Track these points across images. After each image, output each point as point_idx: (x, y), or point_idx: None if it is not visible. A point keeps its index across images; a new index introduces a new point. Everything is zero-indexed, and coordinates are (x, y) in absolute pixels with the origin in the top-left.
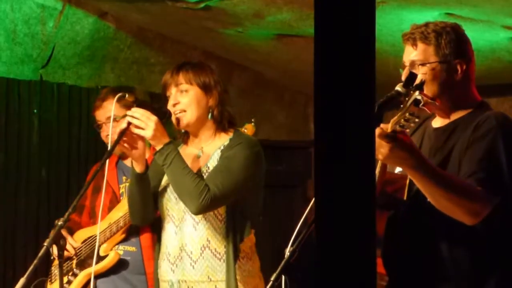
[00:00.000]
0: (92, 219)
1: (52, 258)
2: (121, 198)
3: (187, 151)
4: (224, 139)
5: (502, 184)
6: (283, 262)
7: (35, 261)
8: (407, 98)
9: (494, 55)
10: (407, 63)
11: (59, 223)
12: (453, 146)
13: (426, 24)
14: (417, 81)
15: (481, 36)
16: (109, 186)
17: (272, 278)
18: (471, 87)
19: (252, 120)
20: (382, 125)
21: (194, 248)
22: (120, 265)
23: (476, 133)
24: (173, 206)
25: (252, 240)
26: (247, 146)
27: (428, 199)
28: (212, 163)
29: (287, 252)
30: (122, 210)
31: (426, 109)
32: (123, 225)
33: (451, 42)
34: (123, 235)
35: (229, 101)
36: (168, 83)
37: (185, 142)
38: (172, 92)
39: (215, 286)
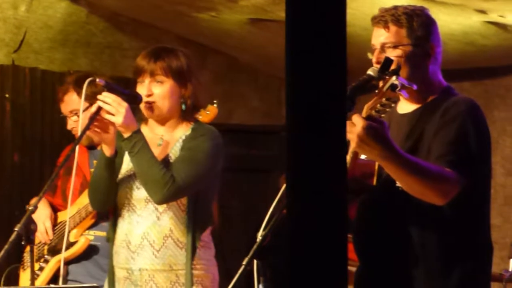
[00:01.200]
0: (64, 202)
1: (23, 243)
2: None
3: (148, 136)
4: (185, 128)
5: (471, 167)
6: (255, 246)
7: (5, 246)
8: (382, 83)
9: (467, 38)
10: (377, 46)
11: (30, 208)
12: (421, 131)
13: (395, 7)
14: (393, 66)
15: (454, 20)
16: (80, 170)
17: (244, 262)
18: (439, 71)
19: (215, 101)
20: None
21: (157, 238)
22: (91, 251)
23: (445, 117)
24: (136, 195)
25: (209, 227)
26: (210, 138)
27: (399, 184)
28: (175, 152)
29: (259, 236)
30: (85, 201)
31: (402, 94)
32: (92, 210)
33: (422, 25)
34: (93, 220)
35: (202, 91)
36: (142, 70)
37: (145, 122)
38: (146, 81)
39: (176, 275)
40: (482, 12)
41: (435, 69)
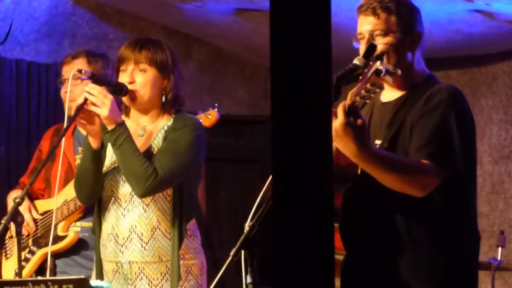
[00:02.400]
0: (48, 189)
1: (9, 236)
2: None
3: (131, 127)
4: (167, 119)
5: (453, 156)
6: (242, 237)
7: None
8: (367, 69)
9: (453, 27)
10: (365, 34)
11: (17, 200)
12: (404, 118)
13: None
14: (377, 51)
15: (440, 8)
16: (65, 157)
17: (232, 253)
18: (423, 60)
19: (216, 105)
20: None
21: (145, 230)
22: (80, 245)
23: (427, 105)
24: (121, 188)
25: (195, 217)
26: (192, 129)
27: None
28: (157, 143)
29: (246, 227)
30: (72, 190)
31: (386, 80)
32: (73, 209)
33: (410, 13)
34: (81, 214)
35: (183, 86)
36: (127, 58)
37: (126, 114)
38: (129, 68)
39: (166, 266)
40: (469, 0)
41: (419, 57)
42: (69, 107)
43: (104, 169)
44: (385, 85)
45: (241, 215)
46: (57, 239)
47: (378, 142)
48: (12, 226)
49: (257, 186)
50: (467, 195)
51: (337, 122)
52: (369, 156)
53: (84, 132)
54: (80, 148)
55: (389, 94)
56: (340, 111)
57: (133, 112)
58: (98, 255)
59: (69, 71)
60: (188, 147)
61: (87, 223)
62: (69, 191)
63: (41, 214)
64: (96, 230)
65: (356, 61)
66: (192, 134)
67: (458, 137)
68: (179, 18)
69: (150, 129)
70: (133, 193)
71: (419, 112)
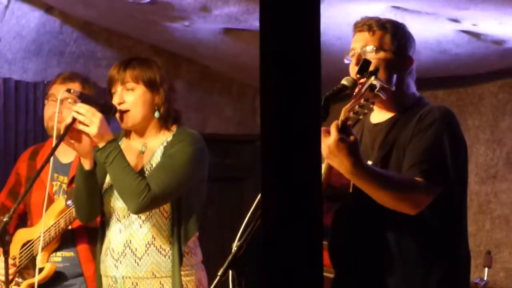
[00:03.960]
0: (28, 215)
1: None
2: (54, 196)
3: (130, 146)
4: (167, 135)
5: (445, 175)
6: (230, 257)
7: None
8: (361, 85)
9: (440, 47)
10: (358, 49)
11: (5, 219)
12: (395, 139)
13: (378, 17)
14: (371, 67)
15: (427, 28)
16: (42, 184)
17: (219, 273)
18: (414, 85)
19: None
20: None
21: (139, 245)
22: (59, 276)
23: (419, 124)
24: (118, 204)
25: (195, 234)
26: (190, 143)
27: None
28: (155, 160)
29: (234, 247)
30: (51, 216)
31: (380, 96)
32: (54, 235)
33: (405, 36)
34: (57, 244)
35: (176, 98)
36: (114, 79)
37: (127, 136)
38: (118, 90)
39: (160, 282)
40: (455, 21)
41: (410, 82)
42: (58, 128)
43: (105, 186)
44: (375, 107)
45: (228, 234)
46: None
47: (370, 163)
48: None
49: (244, 205)
50: (459, 215)
51: (331, 139)
52: (363, 172)
53: (61, 160)
54: (56, 175)
55: (379, 115)
56: (333, 128)
57: (132, 132)
58: (98, 270)
59: (60, 90)
60: (185, 162)
61: (68, 253)
62: (47, 221)
63: (23, 245)
64: (98, 246)
65: (344, 81)
66: (189, 148)
67: (450, 155)
68: (167, 37)
69: (150, 146)
70: None
71: (412, 132)
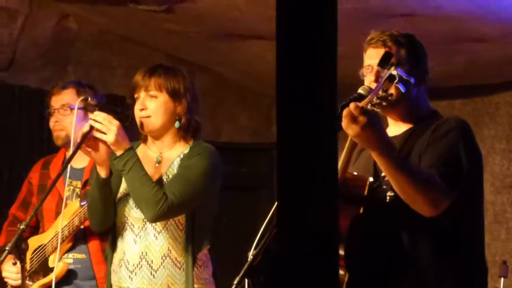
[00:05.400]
0: (41, 223)
1: (13, 262)
2: (67, 201)
3: (146, 154)
4: (184, 147)
5: (461, 180)
6: (246, 265)
7: None
8: (380, 77)
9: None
10: (374, 66)
11: (21, 227)
12: (411, 149)
13: (390, 31)
14: (392, 60)
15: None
16: (56, 189)
17: (235, 282)
18: (427, 98)
19: None
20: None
21: (155, 257)
22: (71, 275)
23: (435, 133)
24: (133, 214)
25: (207, 247)
26: (207, 156)
27: (393, 186)
28: (172, 171)
29: (250, 255)
30: (66, 218)
31: (399, 88)
32: (67, 234)
33: (419, 50)
34: (70, 243)
35: (199, 109)
36: (138, 85)
37: (145, 141)
38: (141, 95)
39: None
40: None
41: (424, 95)
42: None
43: (119, 195)
44: (390, 120)
45: (242, 242)
46: (48, 270)
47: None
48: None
49: (259, 213)
50: (475, 224)
51: (362, 118)
52: (393, 153)
53: (74, 165)
54: (69, 180)
55: (395, 128)
56: (357, 109)
57: (149, 138)
58: (109, 281)
59: (58, 101)
60: (202, 175)
61: (80, 255)
62: (59, 224)
63: (35, 249)
64: (109, 255)
65: (360, 90)
66: (206, 162)
67: (467, 162)
68: (182, 45)
69: (167, 156)
70: (145, 220)
71: (427, 141)
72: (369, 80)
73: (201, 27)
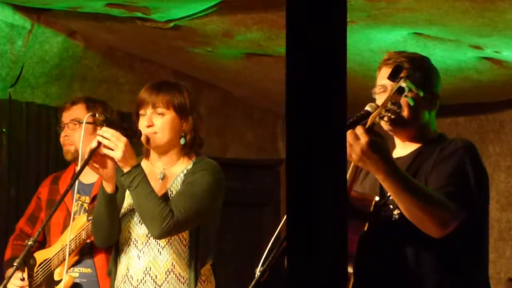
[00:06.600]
0: (47, 237)
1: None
2: (75, 216)
3: (149, 170)
4: (187, 163)
5: (470, 200)
6: (253, 282)
7: (4, 282)
8: (390, 89)
9: (462, 74)
10: (388, 86)
11: (29, 242)
12: (417, 169)
13: (407, 52)
14: (403, 73)
15: (449, 55)
16: (63, 204)
17: None
18: (435, 121)
19: None
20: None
21: (159, 272)
22: None
23: (442, 154)
24: (137, 230)
25: (210, 262)
26: (211, 173)
27: (400, 208)
28: (176, 187)
29: (258, 272)
30: (72, 232)
31: (408, 99)
32: (74, 247)
33: (434, 73)
34: (76, 257)
35: (202, 126)
36: (145, 102)
37: (147, 157)
38: (148, 112)
39: None
40: (478, 48)
41: (433, 118)
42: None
43: (122, 211)
44: (397, 140)
45: (247, 258)
46: (53, 284)
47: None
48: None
49: (264, 229)
50: (480, 242)
51: (362, 141)
52: (396, 172)
53: (83, 180)
54: (77, 195)
55: (402, 149)
56: (361, 131)
57: (152, 154)
58: None
59: (68, 116)
60: (206, 190)
61: (85, 269)
62: (65, 238)
63: (41, 263)
64: (112, 271)
65: (368, 108)
66: (210, 178)
67: (473, 183)
68: (189, 62)
69: (169, 172)
70: (149, 235)
71: (433, 162)
72: (381, 100)
73: (209, 45)
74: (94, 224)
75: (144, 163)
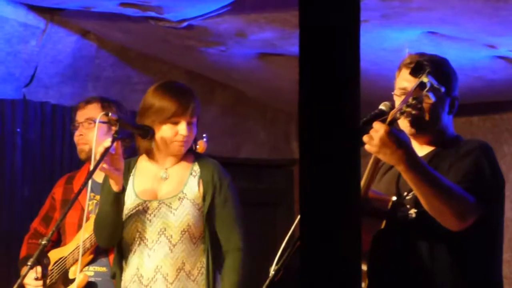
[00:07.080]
0: (63, 236)
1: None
2: (90, 215)
3: (147, 168)
4: (188, 162)
5: (487, 196)
6: (267, 281)
7: (19, 281)
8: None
9: (476, 73)
10: (409, 89)
11: (43, 242)
12: (434, 170)
13: (426, 54)
14: (425, 70)
15: (463, 55)
16: (78, 203)
17: None
18: (453, 123)
19: (204, 135)
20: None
21: (170, 270)
22: (90, 287)
23: (458, 153)
24: (147, 228)
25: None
26: (226, 177)
27: (420, 200)
28: (189, 189)
29: (272, 271)
30: (88, 230)
31: (428, 97)
32: (89, 246)
33: (453, 76)
34: (92, 256)
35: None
36: (177, 113)
37: (149, 156)
38: (183, 123)
39: None
40: (492, 47)
41: (451, 120)
42: (95, 152)
43: (127, 211)
44: (414, 143)
45: (259, 258)
46: (68, 282)
47: (410, 193)
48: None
49: (277, 229)
50: (496, 243)
51: (381, 132)
52: (416, 163)
53: (97, 179)
54: (92, 194)
55: (419, 150)
56: (379, 124)
57: (158, 155)
58: None
59: (83, 115)
60: (237, 200)
61: (101, 268)
62: (80, 236)
63: (56, 261)
64: (117, 273)
65: (382, 106)
66: (231, 188)
67: (490, 181)
68: (202, 62)
69: (172, 172)
70: (160, 233)
71: (450, 162)
72: (398, 103)
73: (222, 45)
74: (98, 224)
75: (144, 163)
